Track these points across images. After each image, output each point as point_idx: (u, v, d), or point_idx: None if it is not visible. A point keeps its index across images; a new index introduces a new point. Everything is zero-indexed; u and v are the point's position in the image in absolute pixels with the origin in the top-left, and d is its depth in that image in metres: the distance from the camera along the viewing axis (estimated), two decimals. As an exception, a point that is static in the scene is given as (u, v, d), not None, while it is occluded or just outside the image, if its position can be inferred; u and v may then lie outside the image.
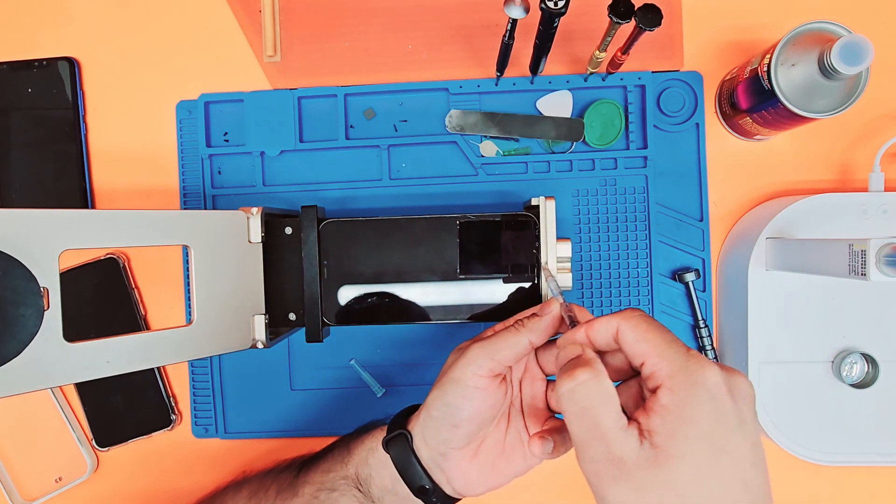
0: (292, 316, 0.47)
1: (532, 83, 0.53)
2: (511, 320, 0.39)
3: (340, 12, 0.53)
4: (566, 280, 0.45)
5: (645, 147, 0.53)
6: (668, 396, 0.29)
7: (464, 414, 0.36)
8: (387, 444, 0.39)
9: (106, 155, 0.56)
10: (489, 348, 0.36)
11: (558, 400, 0.31)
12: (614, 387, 0.31)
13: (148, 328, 0.56)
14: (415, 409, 0.41)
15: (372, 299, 0.46)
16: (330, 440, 0.56)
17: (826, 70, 0.41)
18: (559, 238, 0.45)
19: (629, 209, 0.54)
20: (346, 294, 0.46)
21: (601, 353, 0.35)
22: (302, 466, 0.45)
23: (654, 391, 0.30)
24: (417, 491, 0.38)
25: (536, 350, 0.39)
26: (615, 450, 0.29)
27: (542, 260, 0.44)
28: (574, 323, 0.36)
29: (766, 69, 0.44)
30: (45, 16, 0.56)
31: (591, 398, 0.30)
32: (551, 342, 0.38)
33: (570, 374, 0.31)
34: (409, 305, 0.46)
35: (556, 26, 0.43)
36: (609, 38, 0.45)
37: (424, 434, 0.38)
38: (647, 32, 0.41)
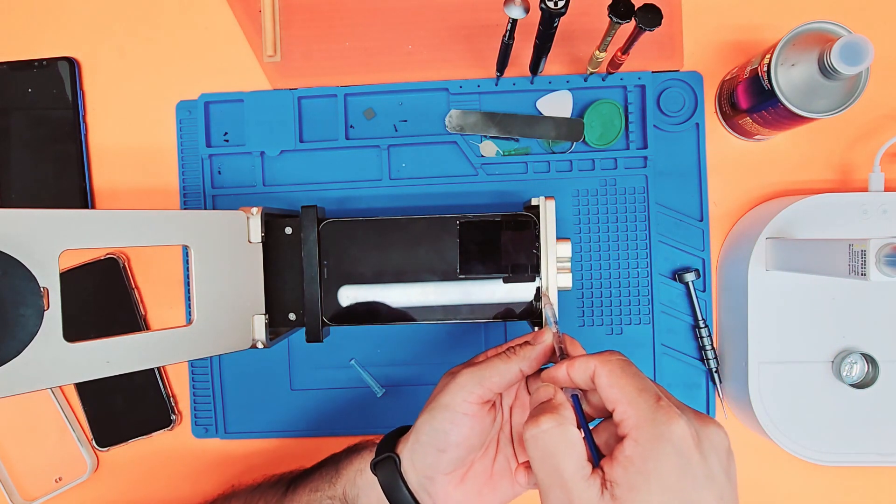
0: (292, 316, 0.47)
1: (532, 83, 0.53)
2: (503, 347, 0.39)
3: (340, 12, 0.53)
4: (566, 280, 0.45)
5: (645, 147, 0.53)
6: (633, 447, 0.29)
7: (452, 439, 0.36)
8: (375, 467, 0.39)
9: (106, 155, 0.56)
10: (479, 375, 0.36)
11: (525, 443, 0.31)
12: (579, 435, 0.31)
13: (148, 328, 0.56)
14: (404, 430, 0.41)
15: (372, 301, 0.46)
16: (330, 440, 0.56)
17: (826, 70, 0.41)
18: (559, 238, 0.45)
19: (629, 209, 0.54)
20: (346, 294, 0.46)
21: (584, 391, 0.35)
22: (290, 483, 0.45)
23: (621, 439, 0.30)
24: None
25: (527, 378, 0.39)
26: (575, 498, 0.29)
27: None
28: (563, 356, 0.36)
29: (766, 69, 0.44)
30: (45, 16, 0.56)
31: (553, 446, 0.30)
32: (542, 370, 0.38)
33: (536, 420, 0.31)
34: (408, 305, 0.46)
35: (556, 26, 0.43)
36: (609, 38, 0.45)
37: (413, 458, 0.38)
38: (647, 32, 0.41)
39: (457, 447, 0.36)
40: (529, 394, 0.39)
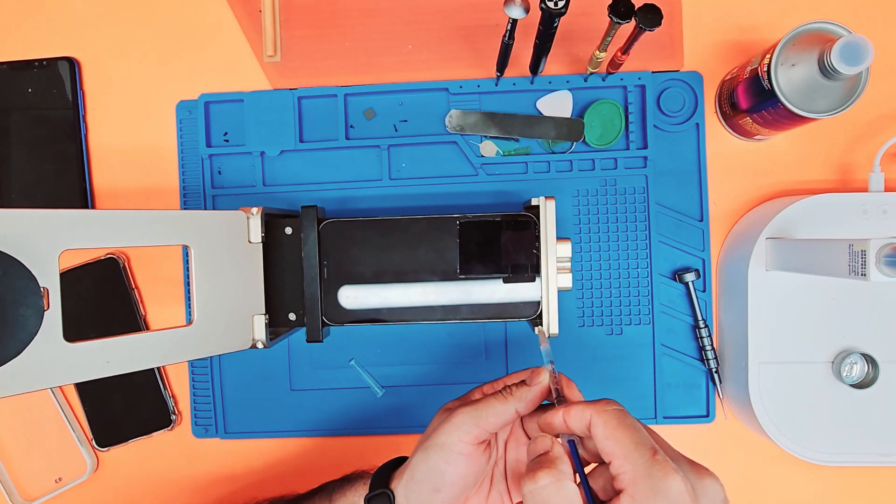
0: (292, 316, 0.47)
1: (532, 83, 0.53)
2: (500, 383, 0.39)
3: (340, 12, 0.53)
4: (566, 280, 0.45)
5: (645, 147, 0.53)
6: None
7: (447, 479, 0.36)
8: (368, 502, 0.39)
9: (106, 155, 0.56)
10: (476, 415, 0.36)
11: (523, 498, 0.32)
12: (577, 491, 0.31)
13: (148, 328, 0.56)
14: (399, 462, 0.41)
15: (372, 301, 0.46)
16: (330, 440, 0.56)
17: (826, 70, 0.41)
18: (559, 238, 0.45)
19: (629, 209, 0.54)
20: (346, 294, 0.46)
21: (581, 437, 0.35)
22: None
23: (618, 494, 0.30)
24: None
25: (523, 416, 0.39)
26: None
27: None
28: (560, 397, 0.36)
29: (766, 69, 0.44)
30: (45, 16, 0.56)
31: (551, 502, 0.30)
32: (539, 407, 0.38)
33: (533, 476, 0.31)
34: (408, 305, 0.46)
35: (556, 26, 0.43)
36: (609, 38, 0.45)
37: (407, 495, 0.38)
38: (647, 32, 0.41)
39: (452, 486, 0.37)
40: (524, 430, 0.39)
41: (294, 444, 0.56)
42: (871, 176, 0.50)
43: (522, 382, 0.37)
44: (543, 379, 0.37)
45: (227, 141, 0.55)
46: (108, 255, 0.55)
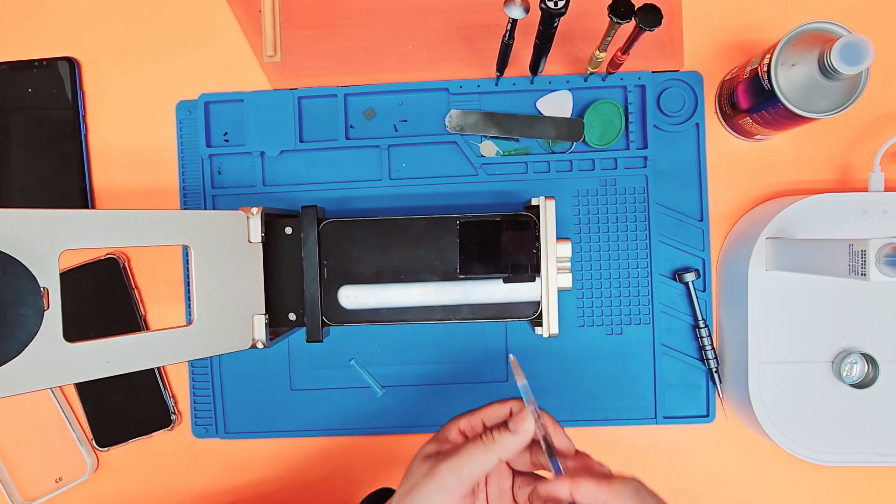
0: (292, 316, 0.47)
1: (532, 83, 0.53)
2: (476, 419, 0.38)
3: (340, 12, 0.53)
4: (566, 280, 0.45)
5: (645, 147, 0.53)
6: None
7: None
8: None
9: (106, 155, 0.56)
10: (459, 472, 0.34)
11: None
12: None
13: (148, 328, 0.56)
14: (384, 495, 0.39)
15: (372, 300, 0.46)
16: (329, 440, 0.56)
17: (826, 70, 0.41)
18: (559, 238, 0.45)
19: (629, 209, 0.54)
20: (346, 294, 0.46)
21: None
22: None
23: None
24: None
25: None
26: None
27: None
28: (549, 446, 0.35)
29: (766, 69, 0.44)
30: (45, 16, 0.56)
31: None
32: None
33: None
34: (408, 305, 0.46)
35: (556, 26, 0.43)
36: (609, 38, 0.45)
37: None
38: (647, 32, 0.41)
39: None
40: (507, 463, 0.38)
41: (294, 444, 0.56)
42: (871, 176, 0.50)
43: (504, 425, 0.35)
44: (528, 427, 0.35)
45: (227, 141, 0.55)
46: (108, 255, 0.55)
